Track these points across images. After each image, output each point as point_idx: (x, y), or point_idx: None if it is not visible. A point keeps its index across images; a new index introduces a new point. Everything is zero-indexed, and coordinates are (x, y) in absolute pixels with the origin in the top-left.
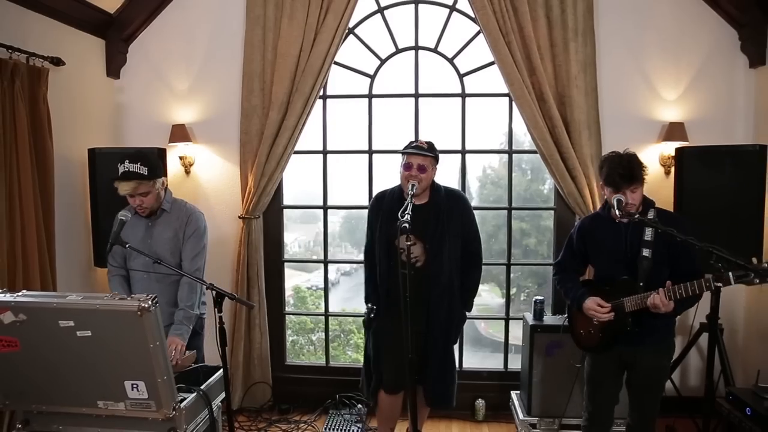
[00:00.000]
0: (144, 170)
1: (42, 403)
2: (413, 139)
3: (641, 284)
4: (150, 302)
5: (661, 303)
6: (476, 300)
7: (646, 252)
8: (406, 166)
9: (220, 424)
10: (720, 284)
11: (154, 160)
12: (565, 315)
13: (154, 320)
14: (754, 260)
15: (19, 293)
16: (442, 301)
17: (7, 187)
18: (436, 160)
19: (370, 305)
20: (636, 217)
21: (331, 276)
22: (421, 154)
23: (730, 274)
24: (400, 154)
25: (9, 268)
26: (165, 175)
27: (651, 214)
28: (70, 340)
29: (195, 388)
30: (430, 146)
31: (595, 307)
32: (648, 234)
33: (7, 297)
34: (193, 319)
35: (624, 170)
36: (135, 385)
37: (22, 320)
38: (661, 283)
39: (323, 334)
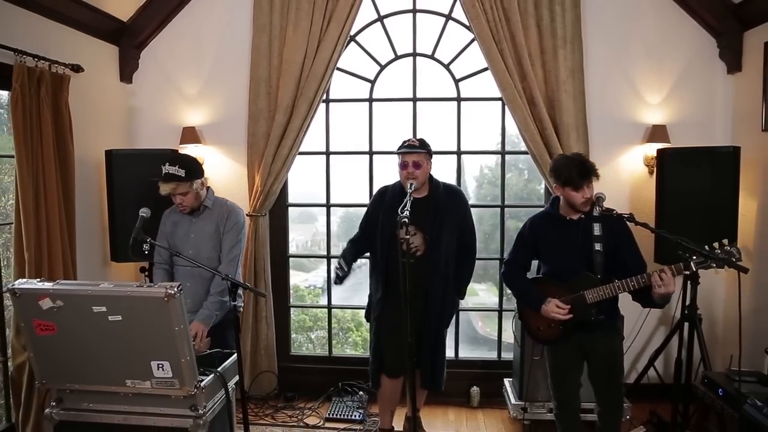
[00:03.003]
0: (182, 173)
1: (75, 382)
2: (406, 139)
3: (599, 276)
4: (175, 289)
5: (669, 280)
6: (474, 299)
7: (598, 246)
8: (403, 165)
9: (234, 405)
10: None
11: (192, 163)
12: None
13: (179, 306)
14: (716, 245)
15: (56, 282)
16: (439, 288)
17: (34, 187)
18: (430, 154)
19: (341, 264)
20: (614, 212)
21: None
22: (413, 152)
23: (691, 262)
24: (397, 155)
25: (36, 261)
26: (202, 175)
27: (596, 211)
28: (102, 324)
29: (213, 370)
30: (422, 143)
31: (556, 309)
32: (597, 229)
33: (46, 285)
34: (220, 306)
35: (581, 168)
36: (161, 365)
37: (59, 306)
38: (612, 273)
39: (321, 332)
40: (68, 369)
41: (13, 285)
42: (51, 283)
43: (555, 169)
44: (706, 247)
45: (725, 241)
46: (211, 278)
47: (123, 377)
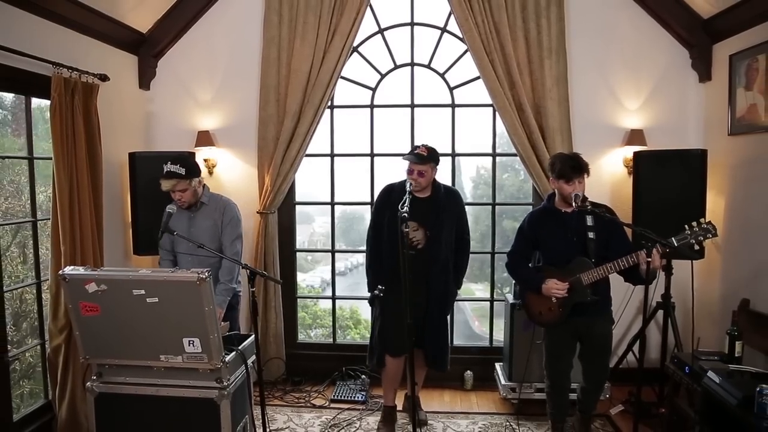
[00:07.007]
0: (182, 171)
1: (114, 357)
2: (417, 145)
3: (593, 261)
4: (206, 274)
5: (655, 256)
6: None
7: (591, 234)
8: (409, 171)
9: (252, 381)
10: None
11: (191, 163)
12: (519, 300)
13: (209, 288)
14: (694, 224)
15: (100, 268)
16: (440, 278)
17: (69, 187)
18: (436, 163)
19: (379, 287)
20: (588, 207)
21: (327, 276)
22: (419, 163)
23: (673, 239)
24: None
25: (71, 254)
26: (199, 174)
27: (575, 206)
28: (140, 306)
29: (234, 348)
30: (430, 153)
31: (554, 286)
32: (589, 220)
33: (91, 271)
34: (230, 292)
35: (574, 163)
36: (191, 341)
37: (103, 290)
38: (605, 261)
39: (320, 330)
40: (109, 346)
41: (63, 272)
42: (96, 270)
43: (552, 162)
44: (686, 226)
45: (702, 220)
46: (216, 266)
47: (158, 353)
